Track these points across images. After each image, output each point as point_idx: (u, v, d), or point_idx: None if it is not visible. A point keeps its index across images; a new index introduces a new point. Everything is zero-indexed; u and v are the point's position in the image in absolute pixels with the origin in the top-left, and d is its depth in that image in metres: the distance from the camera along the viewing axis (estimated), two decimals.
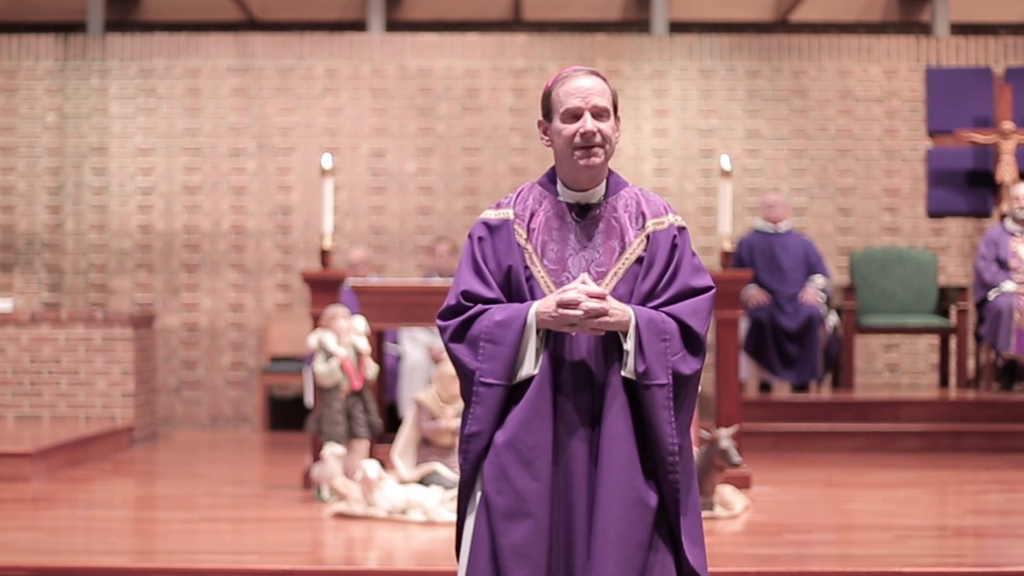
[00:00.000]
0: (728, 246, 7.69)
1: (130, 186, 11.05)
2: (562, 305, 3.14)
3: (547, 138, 3.35)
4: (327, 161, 7.74)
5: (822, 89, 11.15)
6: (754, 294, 9.78)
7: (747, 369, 9.81)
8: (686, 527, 3.23)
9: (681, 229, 3.32)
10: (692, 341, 3.23)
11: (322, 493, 6.98)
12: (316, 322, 7.46)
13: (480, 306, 3.22)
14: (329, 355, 7.11)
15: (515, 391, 3.20)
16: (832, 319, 9.93)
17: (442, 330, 3.26)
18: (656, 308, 3.23)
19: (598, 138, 3.23)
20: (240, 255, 11.01)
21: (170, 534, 6.26)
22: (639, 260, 3.26)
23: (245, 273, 11.01)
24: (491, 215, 3.31)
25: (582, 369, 3.20)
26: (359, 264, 10.03)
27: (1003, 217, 10.21)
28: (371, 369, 7.23)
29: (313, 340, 7.17)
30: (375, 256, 10.78)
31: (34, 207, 11.06)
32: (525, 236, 3.26)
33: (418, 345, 9.82)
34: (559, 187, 3.33)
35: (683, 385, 3.21)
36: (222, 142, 11.06)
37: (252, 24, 11.57)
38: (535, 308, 3.18)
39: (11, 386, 9.56)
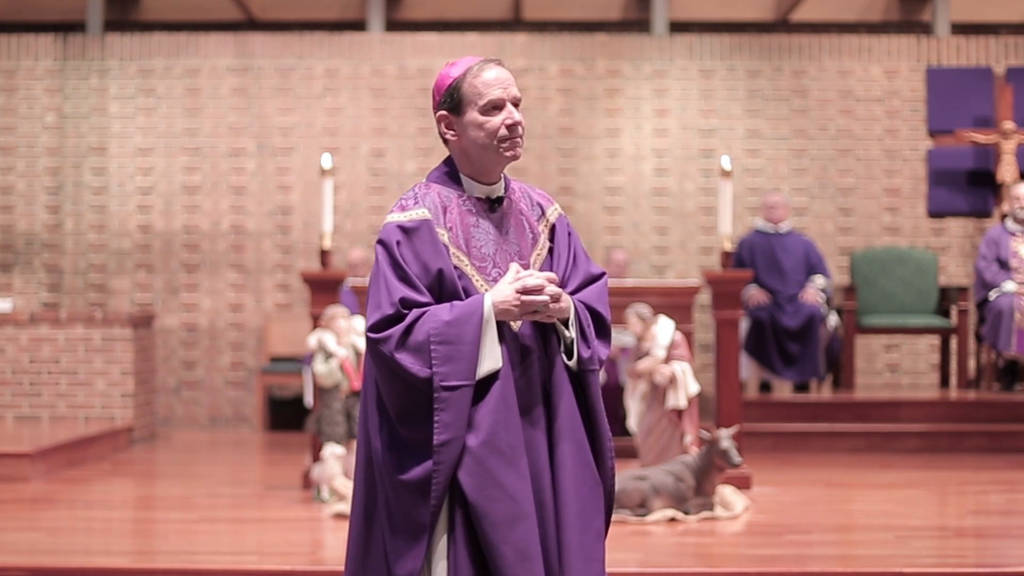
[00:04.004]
0: (728, 246, 7.68)
1: (129, 186, 11.04)
2: (525, 291, 3.08)
3: (452, 132, 3.21)
4: (327, 161, 7.73)
5: (822, 89, 11.14)
6: (754, 294, 9.77)
7: (748, 369, 9.80)
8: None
9: (564, 216, 3.34)
10: (602, 327, 3.25)
11: (322, 493, 6.97)
12: (316, 322, 7.45)
13: (415, 311, 3.08)
14: (329, 355, 7.10)
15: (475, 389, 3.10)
16: (832, 319, 9.92)
17: (380, 341, 3.06)
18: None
19: (520, 129, 3.20)
20: (240, 255, 11.00)
21: (170, 534, 6.25)
22: (550, 250, 3.27)
23: (245, 273, 11.00)
24: (402, 218, 3.15)
25: (525, 359, 3.16)
26: (359, 264, 10.02)
27: (1004, 217, 10.20)
28: None
29: (313, 340, 7.16)
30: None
31: (33, 207, 11.05)
32: (447, 235, 3.15)
33: None
34: (465, 182, 3.24)
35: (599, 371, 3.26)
36: (222, 142, 11.05)
37: (252, 24, 11.56)
38: (490, 299, 3.09)
39: (10, 386, 9.55)
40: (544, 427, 3.16)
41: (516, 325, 3.15)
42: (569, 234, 3.31)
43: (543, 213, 3.30)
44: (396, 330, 3.06)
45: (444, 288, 3.12)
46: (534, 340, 3.17)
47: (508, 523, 3.04)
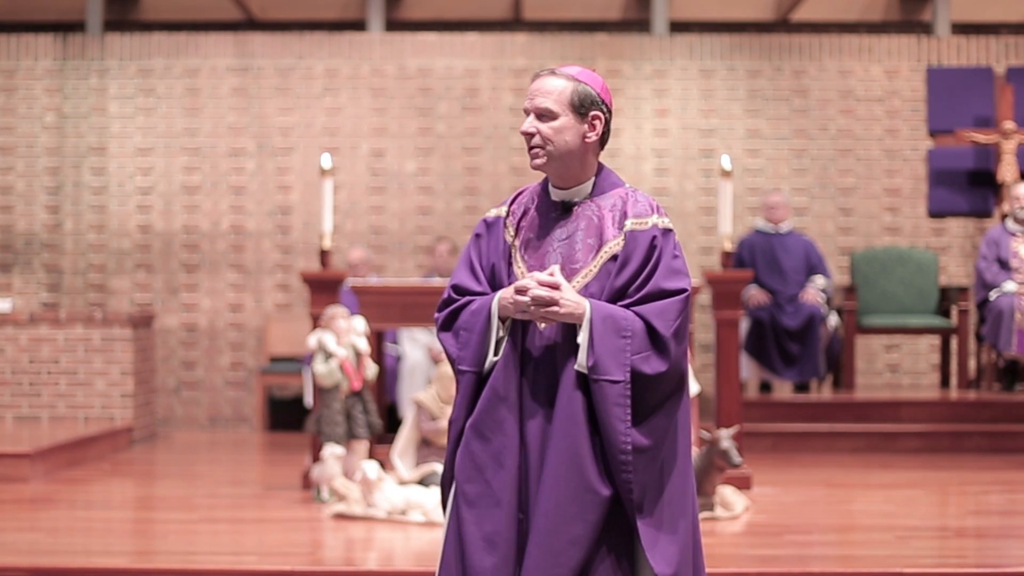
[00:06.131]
0: (728, 246, 7.68)
1: (129, 186, 11.03)
2: (518, 291, 3.20)
3: None
4: (326, 161, 7.73)
5: (823, 89, 11.14)
6: (755, 294, 9.77)
7: (748, 369, 9.80)
8: (652, 530, 3.16)
9: (666, 231, 3.27)
10: (657, 342, 3.19)
11: (322, 494, 6.97)
12: (316, 322, 7.45)
13: (468, 298, 3.32)
14: (329, 355, 7.09)
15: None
16: (833, 319, 9.92)
17: (435, 321, 3.38)
18: (626, 307, 3.21)
19: (536, 139, 3.26)
20: (239, 255, 11.00)
21: (169, 535, 6.24)
22: (614, 258, 3.26)
23: (244, 273, 10.99)
24: (491, 213, 3.42)
25: (545, 359, 3.24)
26: (359, 264, 10.01)
27: (1004, 217, 10.20)
28: (371, 369, 7.22)
29: (313, 340, 7.15)
30: (375, 256, 10.76)
31: (33, 207, 11.05)
32: (513, 233, 3.34)
33: (418, 345, 9.81)
34: (549, 185, 3.37)
35: (646, 385, 3.17)
36: (221, 142, 11.05)
37: (251, 24, 11.56)
38: (498, 296, 3.26)
39: (10, 387, 9.54)
40: (545, 427, 3.21)
41: (543, 325, 3.25)
42: (654, 247, 3.24)
43: (624, 222, 3.28)
44: (443, 313, 3.36)
45: (495, 281, 3.33)
46: (555, 341, 3.24)
47: (477, 506, 3.19)
